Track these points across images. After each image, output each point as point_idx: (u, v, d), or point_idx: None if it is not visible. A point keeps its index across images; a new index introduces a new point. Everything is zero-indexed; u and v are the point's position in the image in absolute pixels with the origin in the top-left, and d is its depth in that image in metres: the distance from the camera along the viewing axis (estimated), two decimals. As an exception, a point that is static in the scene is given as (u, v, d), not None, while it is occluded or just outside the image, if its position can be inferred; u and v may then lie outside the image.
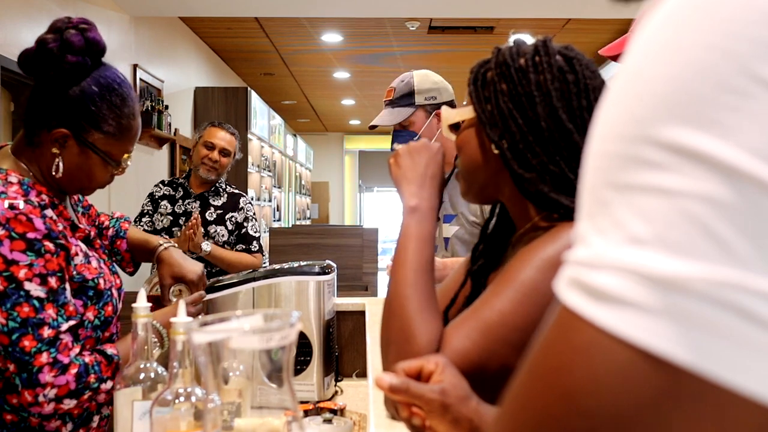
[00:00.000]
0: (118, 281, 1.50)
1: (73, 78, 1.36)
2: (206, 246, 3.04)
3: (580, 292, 0.29)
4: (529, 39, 1.02)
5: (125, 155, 1.44)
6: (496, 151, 0.98)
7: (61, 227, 1.33)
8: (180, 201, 3.32)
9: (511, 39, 1.03)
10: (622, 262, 0.28)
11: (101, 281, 1.40)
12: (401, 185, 1.06)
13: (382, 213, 14.40)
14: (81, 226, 1.45)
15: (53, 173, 1.37)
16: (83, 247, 1.41)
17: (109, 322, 1.43)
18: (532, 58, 0.97)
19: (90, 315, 1.38)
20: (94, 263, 1.41)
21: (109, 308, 1.41)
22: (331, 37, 6.76)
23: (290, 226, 9.05)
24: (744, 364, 0.26)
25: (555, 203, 0.94)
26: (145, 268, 5.38)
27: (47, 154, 1.38)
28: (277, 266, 1.89)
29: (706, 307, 0.26)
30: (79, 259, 1.36)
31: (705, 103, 0.27)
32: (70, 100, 1.36)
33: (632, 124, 0.29)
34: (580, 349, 0.28)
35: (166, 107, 5.43)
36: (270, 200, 8.24)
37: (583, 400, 0.28)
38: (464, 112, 1.05)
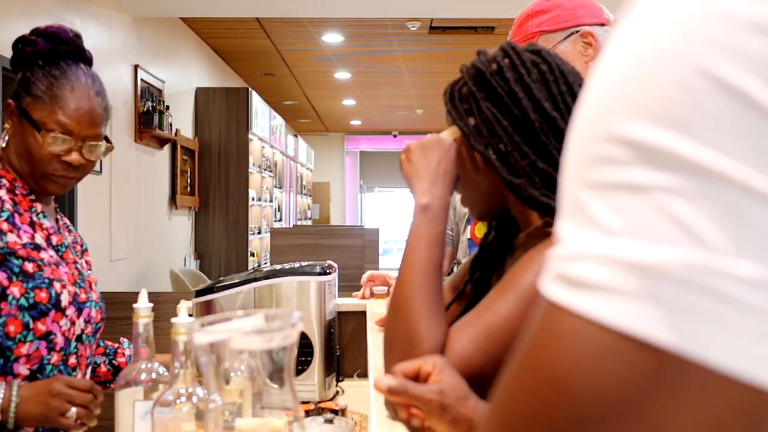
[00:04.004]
0: (82, 295, 1.44)
1: (31, 60, 1.44)
2: None
3: (561, 284, 0.30)
4: None
5: (59, 128, 1.39)
6: (484, 164, 0.99)
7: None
8: None
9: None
10: (599, 252, 0.29)
11: (31, 265, 1.35)
12: (413, 182, 1.04)
13: (383, 213, 14.40)
14: (46, 225, 1.44)
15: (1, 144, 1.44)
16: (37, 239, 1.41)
17: (44, 312, 1.35)
18: (503, 59, 0.99)
19: (15, 291, 1.33)
20: (44, 255, 1.38)
21: (43, 294, 1.35)
22: (332, 38, 6.77)
23: (291, 226, 9.06)
24: (721, 342, 0.27)
25: (546, 207, 0.95)
26: (143, 266, 5.37)
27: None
28: (278, 266, 1.89)
29: (682, 291, 0.27)
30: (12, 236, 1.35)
31: (664, 102, 0.28)
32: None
33: (597, 124, 0.31)
34: (563, 337, 0.30)
35: (167, 107, 5.43)
36: (271, 200, 8.25)
37: (569, 385, 0.29)
38: (447, 135, 1.05)
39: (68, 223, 1.61)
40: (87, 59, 1.51)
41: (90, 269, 1.60)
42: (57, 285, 1.37)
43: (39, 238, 1.40)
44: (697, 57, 0.28)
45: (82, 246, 1.61)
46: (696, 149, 0.28)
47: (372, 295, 2.29)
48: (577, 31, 1.57)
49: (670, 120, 0.28)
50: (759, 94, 0.27)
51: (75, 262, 1.50)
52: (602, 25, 1.59)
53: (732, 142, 0.27)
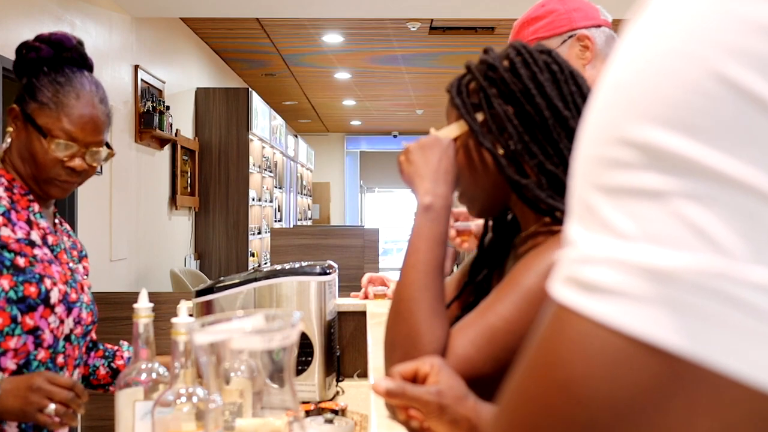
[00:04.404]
0: (73, 295, 1.45)
1: (35, 66, 1.46)
2: None
3: (572, 287, 0.30)
4: None
5: (64, 135, 1.42)
6: (490, 161, 0.99)
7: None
8: None
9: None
10: (612, 256, 0.29)
11: (22, 260, 1.37)
12: (414, 182, 1.03)
13: (383, 213, 14.41)
14: (43, 225, 1.46)
15: (2, 145, 1.45)
16: (34, 239, 1.42)
17: (32, 306, 1.36)
18: (516, 56, 0.98)
19: (5, 283, 1.34)
20: (37, 252, 1.40)
21: (32, 288, 1.36)
22: (332, 38, 6.77)
23: (291, 226, 9.06)
24: (736, 348, 0.27)
25: (552, 210, 0.94)
26: (143, 266, 5.37)
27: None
28: (278, 267, 1.89)
29: (697, 297, 0.27)
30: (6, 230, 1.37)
31: (676, 105, 0.28)
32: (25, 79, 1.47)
33: (608, 126, 0.30)
34: (575, 341, 0.29)
35: (168, 108, 5.43)
36: (271, 201, 8.25)
37: (581, 389, 0.29)
38: (453, 130, 1.03)
39: (69, 229, 1.63)
40: (89, 66, 1.53)
41: (87, 275, 1.60)
42: (47, 281, 1.39)
43: (35, 236, 1.42)
44: (710, 60, 0.28)
45: (80, 252, 1.62)
46: (710, 154, 0.27)
47: (375, 297, 2.31)
48: (574, 35, 1.57)
49: (683, 124, 0.28)
50: None
51: (68, 264, 1.51)
52: (598, 26, 1.60)
53: (747, 148, 0.27)
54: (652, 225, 0.28)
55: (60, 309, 1.41)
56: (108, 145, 1.51)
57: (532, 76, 0.96)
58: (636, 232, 0.28)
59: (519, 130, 0.95)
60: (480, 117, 0.99)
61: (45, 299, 1.38)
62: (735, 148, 0.27)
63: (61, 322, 1.42)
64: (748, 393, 0.27)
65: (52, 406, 1.24)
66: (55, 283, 1.40)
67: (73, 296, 1.45)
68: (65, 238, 1.56)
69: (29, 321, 1.36)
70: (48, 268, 1.41)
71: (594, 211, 0.30)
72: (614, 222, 0.29)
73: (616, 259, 0.29)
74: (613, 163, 0.30)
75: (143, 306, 1.19)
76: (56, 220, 1.56)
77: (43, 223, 1.47)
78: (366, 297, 2.31)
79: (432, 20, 5.98)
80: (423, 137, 1.05)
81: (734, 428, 0.27)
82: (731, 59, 0.27)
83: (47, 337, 1.39)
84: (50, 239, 1.47)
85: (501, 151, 0.97)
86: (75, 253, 1.59)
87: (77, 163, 1.44)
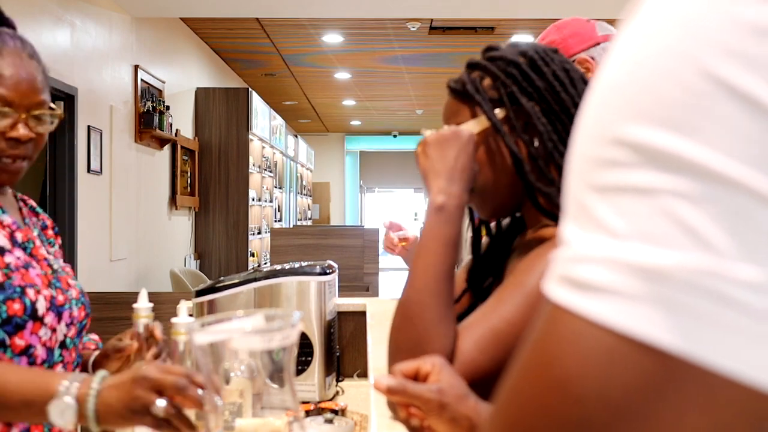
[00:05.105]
0: (59, 297, 1.26)
1: None
2: None
3: (566, 286, 0.30)
4: (528, 39, 1.03)
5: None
6: (511, 161, 0.96)
7: None
8: None
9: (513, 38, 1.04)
10: (604, 254, 0.29)
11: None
12: (428, 178, 0.98)
13: (383, 213, 14.42)
14: (7, 222, 1.26)
15: None
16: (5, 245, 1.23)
17: (20, 325, 1.17)
18: (535, 53, 0.97)
19: None
20: (10, 259, 1.21)
21: (17, 305, 1.17)
22: (332, 38, 6.77)
23: (291, 226, 9.06)
24: (728, 347, 0.27)
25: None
26: (143, 266, 5.37)
27: None
28: (278, 267, 1.89)
29: (687, 295, 0.27)
30: None
31: (669, 105, 0.28)
32: None
33: (601, 126, 0.31)
34: (569, 340, 0.30)
35: (167, 108, 5.43)
36: (271, 201, 8.25)
37: (575, 388, 0.29)
38: (471, 127, 0.99)
39: (34, 205, 1.43)
40: (10, 25, 1.33)
41: (63, 256, 1.43)
42: (30, 292, 1.19)
43: (1, 239, 1.22)
44: (703, 59, 0.28)
45: (54, 230, 1.44)
46: (702, 152, 0.28)
47: (400, 241, 2.18)
48: (573, 61, 1.60)
49: (675, 123, 0.28)
50: (766, 97, 0.27)
51: (46, 259, 1.31)
52: (597, 44, 1.62)
53: (739, 146, 0.27)
54: (643, 223, 0.28)
55: (49, 318, 1.22)
56: (51, 108, 1.29)
57: (554, 74, 0.95)
58: (628, 230, 0.29)
59: (548, 128, 0.93)
60: (499, 114, 0.97)
61: (32, 313, 1.19)
62: (726, 146, 0.27)
63: (53, 331, 1.23)
64: (741, 391, 0.27)
65: (162, 403, 0.96)
66: (38, 291, 1.21)
67: (60, 298, 1.26)
68: (35, 220, 1.38)
69: (19, 341, 1.17)
70: (27, 275, 1.21)
71: (588, 211, 0.30)
72: (607, 220, 0.29)
73: (609, 258, 0.29)
74: (607, 163, 0.30)
75: (143, 306, 1.19)
76: (19, 205, 1.36)
77: (7, 219, 1.26)
78: (392, 244, 2.18)
79: (432, 20, 5.98)
80: (443, 129, 1.00)
81: (727, 426, 0.27)
82: (724, 59, 0.28)
83: (40, 352, 1.21)
84: (19, 236, 1.27)
85: (524, 149, 0.95)
86: (50, 233, 1.41)
87: (21, 132, 1.22)
